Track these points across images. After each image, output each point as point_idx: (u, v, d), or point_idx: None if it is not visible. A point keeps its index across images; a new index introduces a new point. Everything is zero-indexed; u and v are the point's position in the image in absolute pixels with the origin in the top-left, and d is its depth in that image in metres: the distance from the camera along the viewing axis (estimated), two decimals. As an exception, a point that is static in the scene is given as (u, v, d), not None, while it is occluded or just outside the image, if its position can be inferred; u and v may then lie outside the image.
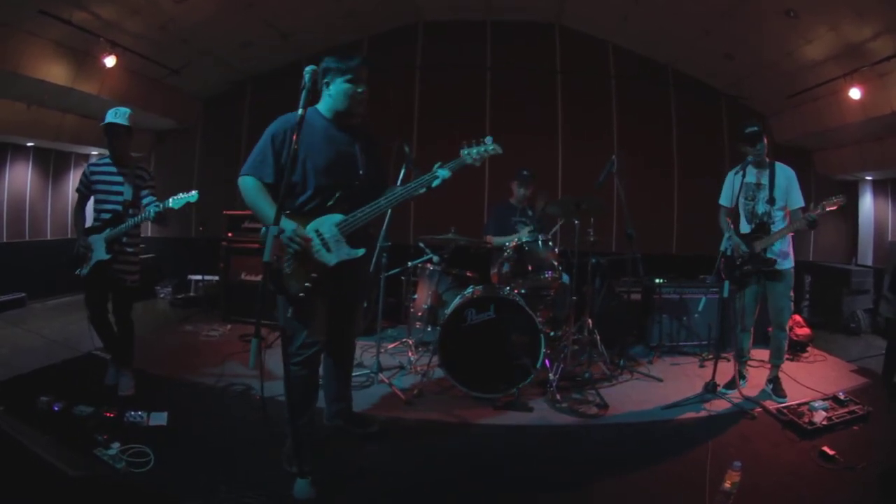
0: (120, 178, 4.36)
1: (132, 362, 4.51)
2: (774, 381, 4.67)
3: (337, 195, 3.14)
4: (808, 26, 5.79)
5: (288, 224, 3.00)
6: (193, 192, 4.22)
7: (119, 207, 4.32)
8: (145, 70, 6.87)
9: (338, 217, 3.14)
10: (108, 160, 4.44)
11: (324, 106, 3.30)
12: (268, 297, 2.85)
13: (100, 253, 4.29)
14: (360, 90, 3.23)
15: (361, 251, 3.21)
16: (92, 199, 4.48)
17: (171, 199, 4.19)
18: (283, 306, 2.93)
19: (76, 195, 4.54)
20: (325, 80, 3.23)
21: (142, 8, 5.83)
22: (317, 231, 3.11)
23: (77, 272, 4.39)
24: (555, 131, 8.36)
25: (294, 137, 2.81)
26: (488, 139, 3.29)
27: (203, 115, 8.70)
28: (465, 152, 3.29)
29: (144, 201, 4.35)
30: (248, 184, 3.16)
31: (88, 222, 4.48)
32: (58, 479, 2.17)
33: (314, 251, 3.09)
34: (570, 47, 8.43)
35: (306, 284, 3.06)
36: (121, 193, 4.33)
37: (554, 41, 8.45)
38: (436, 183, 3.23)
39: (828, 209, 4.19)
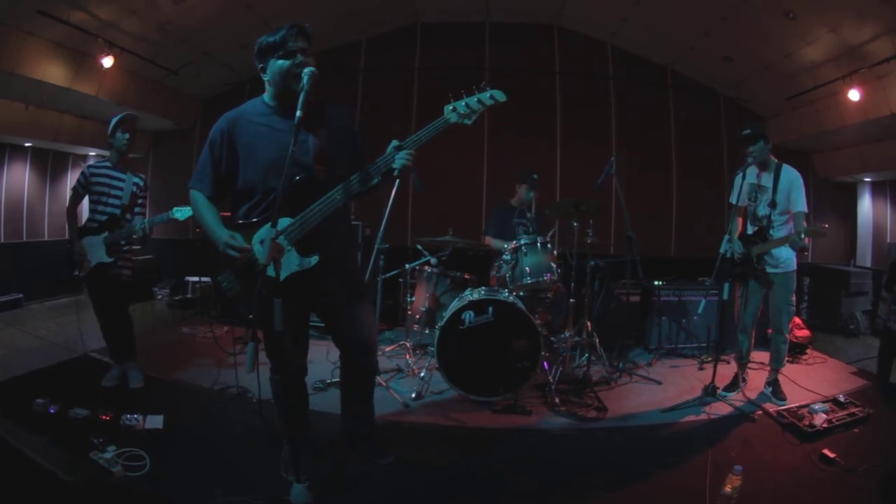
0: (119, 183, 4.45)
1: (135, 355, 4.61)
2: (774, 383, 4.66)
3: (283, 195, 2.52)
4: (807, 28, 5.79)
5: (222, 233, 2.73)
6: None
7: (117, 211, 4.42)
8: (144, 71, 6.86)
9: (284, 221, 2.69)
10: (107, 163, 4.50)
11: (268, 94, 2.88)
12: (265, 299, 2.76)
13: (101, 255, 4.40)
14: (299, 65, 2.71)
15: (314, 259, 2.75)
16: (86, 198, 4.55)
17: (175, 210, 4.37)
18: (279, 309, 2.49)
19: (71, 193, 4.61)
20: (260, 66, 2.80)
21: (140, 8, 5.81)
22: (261, 242, 2.69)
23: (75, 273, 4.50)
24: (553, 133, 8.37)
25: (291, 149, 2.49)
26: (484, 85, 2.72)
27: (202, 115, 8.68)
28: (449, 108, 2.72)
29: (136, 210, 4.49)
30: (194, 199, 2.90)
31: (80, 221, 4.60)
32: (53, 484, 2.16)
33: (259, 265, 2.61)
34: (569, 49, 8.44)
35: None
36: (119, 197, 4.45)
37: (553, 42, 8.46)
38: (397, 166, 2.74)
39: (809, 235, 4.18)
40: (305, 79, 2.65)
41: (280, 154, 2.59)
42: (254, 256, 2.72)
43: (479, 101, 2.70)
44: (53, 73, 5.78)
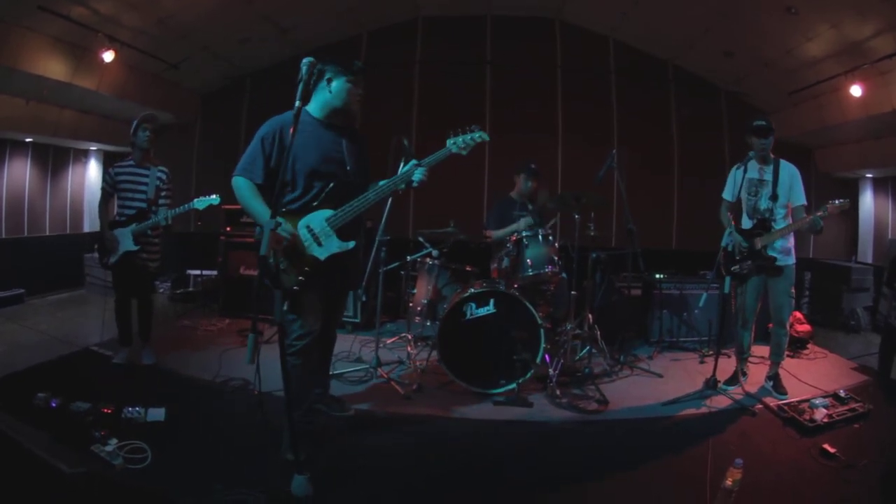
0: (143, 179, 4.82)
1: (150, 336, 5.06)
2: (774, 378, 4.66)
3: (324, 192, 3.22)
4: (808, 24, 5.77)
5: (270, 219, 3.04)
6: (215, 196, 4.82)
7: (144, 205, 4.78)
8: (144, 65, 6.85)
9: (327, 212, 3.21)
10: (131, 162, 4.88)
11: (316, 104, 3.34)
12: (265, 291, 2.90)
13: (128, 244, 4.73)
14: (359, 91, 3.34)
15: (352, 243, 3.26)
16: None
17: (195, 201, 4.78)
18: (279, 301, 2.93)
19: (101, 192, 4.95)
20: (328, 77, 3.26)
21: (140, 3, 5.80)
22: (307, 227, 3.18)
23: (106, 261, 4.84)
24: (555, 127, 8.36)
25: (291, 131, 2.84)
26: (475, 127, 3.35)
27: (202, 110, 8.68)
28: (451, 142, 3.35)
29: (161, 202, 4.84)
30: (240, 184, 3.24)
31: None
32: (54, 477, 2.15)
33: (305, 246, 3.16)
34: (570, 43, 8.42)
35: (300, 278, 3.10)
36: (144, 192, 4.80)
37: (554, 36, 8.44)
38: (416, 178, 3.30)
39: (831, 212, 4.19)
40: (304, 69, 2.89)
41: (323, 158, 3.25)
42: (298, 239, 3.16)
43: (472, 138, 3.34)
44: (54, 68, 5.76)
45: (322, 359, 3.82)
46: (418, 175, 3.30)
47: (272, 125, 3.27)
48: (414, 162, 3.35)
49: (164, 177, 4.89)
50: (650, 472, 3.42)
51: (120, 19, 5.85)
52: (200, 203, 4.80)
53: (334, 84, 3.27)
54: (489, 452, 3.67)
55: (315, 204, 3.22)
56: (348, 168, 3.35)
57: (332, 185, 3.24)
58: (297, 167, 3.23)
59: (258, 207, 3.16)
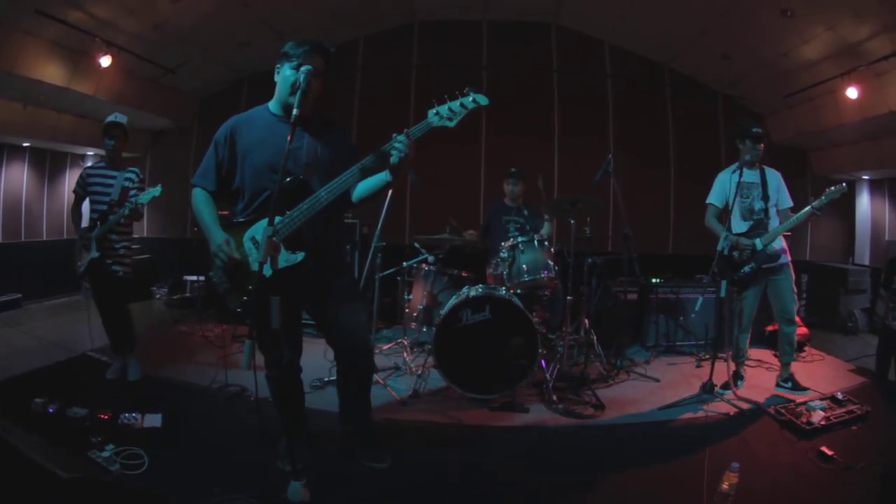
0: (110, 181, 4.58)
1: (134, 349, 4.76)
2: (791, 378, 4.69)
3: (273, 195, 2.64)
4: (805, 26, 5.79)
5: (217, 235, 2.85)
6: (158, 186, 4.41)
7: (105, 207, 4.53)
8: (141, 70, 6.86)
9: (275, 220, 2.71)
10: (102, 164, 4.71)
11: (273, 103, 3.02)
12: (262, 298, 2.79)
13: (92, 251, 4.52)
14: (303, 77, 2.77)
15: (300, 256, 2.79)
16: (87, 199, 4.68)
17: (140, 196, 4.43)
18: (275, 309, 2.52)
19: (73, 196, 4.79)
20: (277, 67, 2.93)
21: (137, 7, 5.81)
22: (252, 238, 2.83)
23: (80, 269, 4.66)
24: (551, 131, 8.38)
25: (289, 138, 2.56)
26: (468, 90, 2.74)
27: (199, 114, 8.68)
28: (433, 112, 2.78)
29: (128, 204, 4.49)
30: (195, 195, 3.04)
31: (85, 222, 4.70)
32: (50, 482, 2.15)
33: (251, 261, 2.77)
34: (566, 47, 8.46)
35: (244, 299, 2.68)
36: (108, 194, 4.55)
37: (550, 41, 8.47)
38: (393, 145, 2.78)
39: (831, 198, 4.30)
40: (303, 77, 2.71)
41: (274, 157, 2.73)
42: (243, 257, 2.83)
43: (462, 104, 2.73)
44: (51, 72, 5.77)
45: (347, 388, 3.37)
46: (396, 145, 2.77)
47: (225, 126, 3.01)
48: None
49: (133, 178, 4.60)
50: (647, 476, 3.41)
51: (117, 24, 5.87)
52: (144, 197, 4.37)
53: (280, 72, 2.92)
54: (485, 458, 3.66)
55: (251, 217, 2.88)
56: (303, 165, 2.86)
57: (284, 185, 2.73)
58: (245, 169, 2.93)
59: (206, 220, 2.93)
